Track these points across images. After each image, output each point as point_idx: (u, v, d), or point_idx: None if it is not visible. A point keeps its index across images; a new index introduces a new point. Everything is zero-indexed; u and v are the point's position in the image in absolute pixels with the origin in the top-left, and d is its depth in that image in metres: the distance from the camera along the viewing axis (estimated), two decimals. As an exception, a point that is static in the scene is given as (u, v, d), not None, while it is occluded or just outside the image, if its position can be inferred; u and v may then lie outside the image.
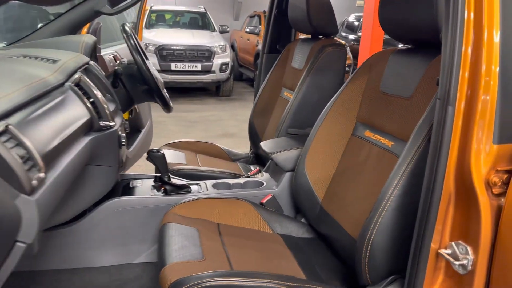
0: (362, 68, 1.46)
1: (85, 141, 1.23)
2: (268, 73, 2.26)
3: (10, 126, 0.81)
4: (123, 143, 1.44)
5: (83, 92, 1.31)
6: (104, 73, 1.76)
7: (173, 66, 7.46)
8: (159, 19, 9.03)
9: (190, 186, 1.64)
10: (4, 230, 0.77)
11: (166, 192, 1.60)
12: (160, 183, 1.60)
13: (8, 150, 0.77)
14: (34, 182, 0.81)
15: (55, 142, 0.98)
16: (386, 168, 1.22)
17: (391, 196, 1.07)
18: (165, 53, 7.46)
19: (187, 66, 7.51)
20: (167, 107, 1.79)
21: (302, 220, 1.57)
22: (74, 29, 2.03)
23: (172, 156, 2.03)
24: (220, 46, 7.62)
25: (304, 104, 1.84)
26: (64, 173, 1.00)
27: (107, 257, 1.45)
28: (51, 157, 0.95)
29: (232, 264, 1.19)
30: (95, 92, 1.34)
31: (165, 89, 1.91)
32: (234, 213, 1.46)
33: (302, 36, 2.28)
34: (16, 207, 0.78)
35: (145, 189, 1.62)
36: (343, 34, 9.58)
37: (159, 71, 7.32)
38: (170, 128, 5.79)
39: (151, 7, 8.89)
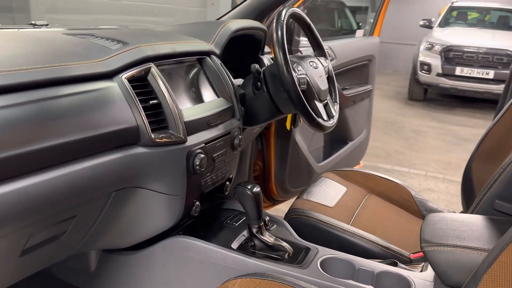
0: None
1: (117, 156, 0.89)
2: None
3: None
4: (198, 169, 1.04)
5: (146, 90, 0.97)
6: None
7: (457, 70, 6.36)
8: (460, 16, 7.86)
9: (289, 250, 1.08)
10: None
11: (253, 248, 1.10)
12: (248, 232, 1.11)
13: None
14: None
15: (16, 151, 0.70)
16: None
17: None
18: (451, 55, 6.42)
19: (475, 72, 6.26)
20: (316, 126, 1.26)
21: None
22: (260, 14, 1.72)
23: (323, 190, 1.46)
24: (530, 51, 5.96)
25: None
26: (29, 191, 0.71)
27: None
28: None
29: None
30: (164, 92, 0.98)
31: (324, 99, 1.36)
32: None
33: None
34: None
35: (234, 233, 1.16)
36: None
37: (439, 75, 6.37)
38: (428, 142, 4.91)
39: (452, 3, 7.82)
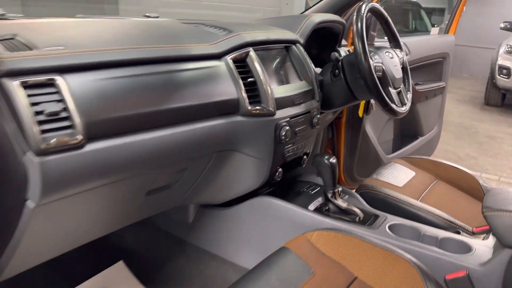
0: None
1: (220, 122, 1.10)
2: None
3: (57, 81, 0.79)
4: (283, 139, 1.21)
5: (245, 70, 1.17)
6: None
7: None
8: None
9: (359, 214, 1.22)
10: (15, 186, 0.77)
11: (327, 212, 1.26)
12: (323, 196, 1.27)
13: (28, 101, 0.74)
14: (52, 142, 0.76)
15: (137, 106, 0.91)
16: None
17: None
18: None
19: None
20: (389, 111, 1.39)
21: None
22: (339, 10, 1.86)
23: (392, 173, 1.57)
24: None
25: None
26: (132, 144, 0.91)
27: (243, 256, 1.29)
28: (120, 121, 0.88)
29: None
30: (259, 72, 1.17)
31: (398, 87, 1.48)
32: (387, 273, 0.98)
33: None
34: (22, 162, 0.75)
35: (310, 199, 1.32)
36: None
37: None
38: (504, 148, 4.73)
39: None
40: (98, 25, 1.12)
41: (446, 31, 2.70)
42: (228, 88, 1.11)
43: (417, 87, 2.33)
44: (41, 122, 0.75)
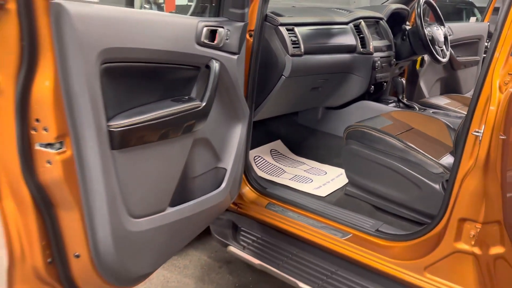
0: None
1: (347, 55, 2.25)
2: None
3: (295, 28, 1.97)
4: (376, 68, 2.35)
5: (359, 31, 2.31)
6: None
7: None
8: None
9: (416, 107, 2.34)
10: (279, 68, 1.97)
11: (399, 106, 2.38)
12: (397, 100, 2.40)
13: (288, 35, 1.93)
14: (294, 52, 1.94)
15: (318, 43, 2.08)
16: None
17: None
18: None
19: None
20: (435, 60, 2.48)
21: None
22: (405, 2, 2.96)
23: (433, 98, 2.68)
24: None
25: None
26: (315, 59, 2.08)
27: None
28: (312, 48, 2.05)
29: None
30: (366, 32, 2.32)
31: (441, 46, 2.57)
32: (429, 126, 2.08)
33: None
34: (284, 59, 1.94)
35: (388, 103, 2.46)
36: None
37: None
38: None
39: None
40: (297, 9, 2.30)
41: (482, 20, 3.70)
42: (351, 39, 2.26)
43: (458, 58, 3.37)
44: (291, 44, 1.93)
